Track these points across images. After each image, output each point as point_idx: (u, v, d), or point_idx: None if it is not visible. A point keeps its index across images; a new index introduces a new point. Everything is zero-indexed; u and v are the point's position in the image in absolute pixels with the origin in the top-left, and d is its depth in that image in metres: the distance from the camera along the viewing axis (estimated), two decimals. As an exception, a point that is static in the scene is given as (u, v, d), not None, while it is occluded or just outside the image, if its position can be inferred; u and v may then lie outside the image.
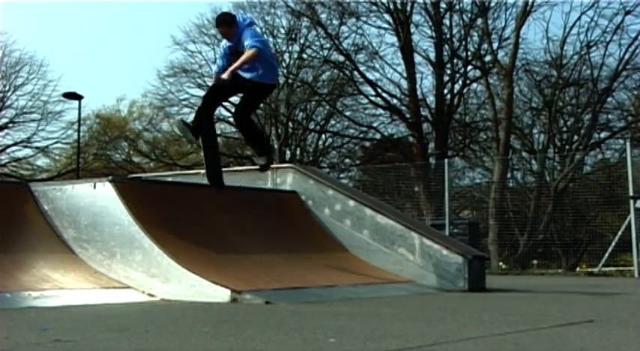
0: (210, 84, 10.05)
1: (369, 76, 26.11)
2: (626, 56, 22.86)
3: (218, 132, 31.31)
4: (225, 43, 7.29)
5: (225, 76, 6.93)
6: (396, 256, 7.87)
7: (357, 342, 3.39)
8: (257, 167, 7.71)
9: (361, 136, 28.56)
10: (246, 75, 6.95)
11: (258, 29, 7.43)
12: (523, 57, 23.97)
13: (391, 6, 24.83)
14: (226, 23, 7.12)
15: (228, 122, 30.47)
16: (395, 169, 20.49)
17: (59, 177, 29.75)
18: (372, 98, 26.11)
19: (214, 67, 7.90)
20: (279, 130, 28.41)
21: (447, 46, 25.28)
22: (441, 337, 3.62)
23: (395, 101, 26.17)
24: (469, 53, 25.25)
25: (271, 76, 7.26)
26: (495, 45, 23.72)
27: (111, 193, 6.87)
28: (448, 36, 25.19)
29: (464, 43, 25.26)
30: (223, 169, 8.04)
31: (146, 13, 54.21)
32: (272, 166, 7.89)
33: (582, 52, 23.42)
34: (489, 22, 23.79)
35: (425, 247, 7.72)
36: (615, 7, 24.77)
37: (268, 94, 7.69)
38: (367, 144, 29.15)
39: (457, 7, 24.92)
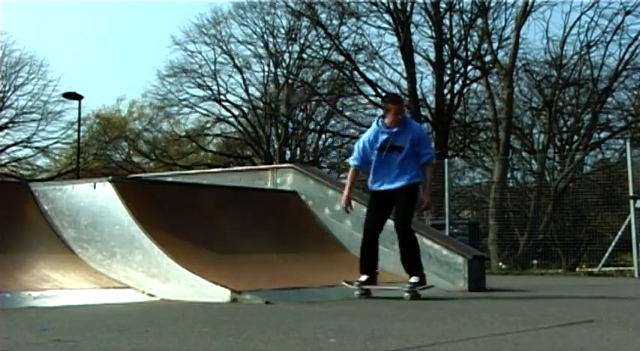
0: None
1: (369, 76, 26.13)
2: (626, 56, 22.88)
3: (218, 132, 31.43)
4: (371, 131, 6.51)
5: (425, 204, 6.60)
6: (396, 256, 7.85)
7: (357, 342, 3.39)
8: (408, 293, 6.24)
9: (361, 135, 28.53)
10: (397, 184, 6.34)
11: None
12: (523, 57, 23.99)
13: (391, 6, 24.84)
14: (401, 105, 6.56)
15: (228, 122, 30.52)
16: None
17: (59, 177, 29.75)
18: (372, 98, 26.13)
19: (353, 162, 6.68)
20: (279, 130, 28.41)
21: (447, 46, 25.29)
22: (441, 337, 3.62)
23: (395, 101, 26.11)
24: (469, 53, 25.25)
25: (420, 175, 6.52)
26: (495, 45, 23.73)
27: (111, 193, 6.87)
28: (448, 36, 25.19)
29: (464, 43, 25.27)
30: (223, 169, 8.02)
31: (146, 13, 54.22)
32: (273, 166, 7.50)
33: (582, 52, 23.43)
34: (489, 22, 23.80)
35: (425, 247, 7.71)
36: (615, 7, 24.77)
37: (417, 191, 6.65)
38: (367, 144, 29.12)
39: (457, 7, 24.94)
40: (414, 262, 6.41)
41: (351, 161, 6.71)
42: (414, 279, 6.27)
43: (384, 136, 6.41)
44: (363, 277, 6.49)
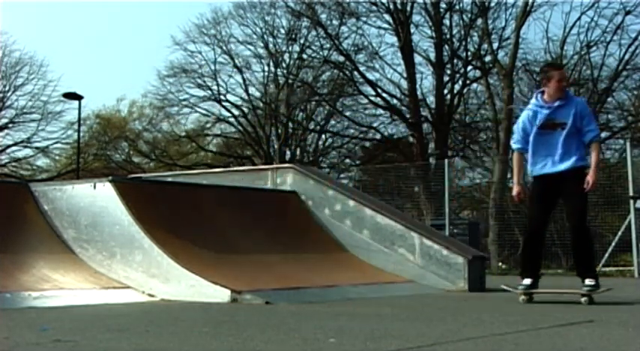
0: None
1: (369, 76, 26.12)
2: (626, 56, 22.87)
3: (218, 132, 31.43)
4: (531, 108, 5.96)
5: (590, 183, 5.83)
6: (396, 256, 7.87)
7: (357, 342, 3.39)
8: (584, 297, 5.79)
9: (361, 136, 28.57)
10: (562, 166, 5.81)
11: None
12: (523, 57, 23.98)
13: (391, 6, 24.83)
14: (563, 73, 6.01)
15: (228, 122, 30.52)
16: (395, 169, 20.49)
17: (59, 177, 29.74)
18: (372, 98, 26.12)
19: (515, 145, 6.13)
20: (279, 130, 28.41)
21: (447, 46, 25.28)
22: (441, 337, 3.62)
23: (395, 101, 26.18)
24: (469, 53, 25.25)
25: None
26: (495, 45, 23.72)
27: (111, 193, 6.87)
28: (448, 36, 25.18)
29: (464, 43, 25.26)
30: (223, 169, 8.02)
31: (146, 13, 54.20)
32: (273, 166, 7.33)
33: (582, 52, 23.42)
34: (489, 22, 23.79)
35: (425, 247, 7.72)
36: (615, 7, 24.73)
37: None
38: (367, 144, 29.17)
39: (457, 7, 24.93)
40: (589, 264, 5.87)
41: (513, 145, 6.12)
42: (589, 281, 5.75)
43: (545, 112, 5.84)
44: (527, 281, 5.95)
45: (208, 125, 31.23)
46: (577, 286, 5.99)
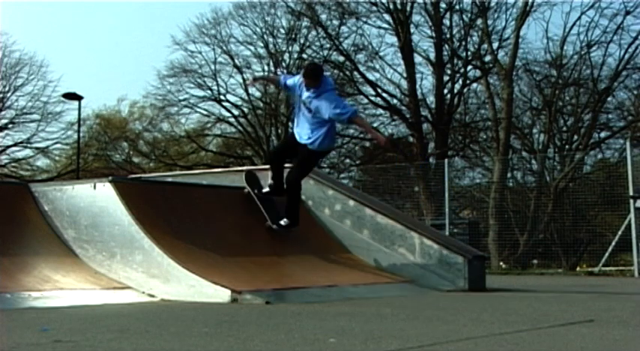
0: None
1: (369, 76, 26.13)
2: (626, 56, 22.89)
3: (218, 132, 31.44)
4: (299, 79, 7.23)
5: (382, 142, 8.02)
6: (396, 256, 7.87)
7: (357, 342, 3.39)
8: (271, 226, 7.64)
9: (361, 136, 28.57)
10: (308, 142, 7.21)
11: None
12: (523, 57, 23.99)
13: (391, 6, 24.85)
14: (313, 77, 7.08)
15: (229, 122, 30.53)
16: (395, 169, 20.50)
17: (59, 177, 29.75)
18: (372, 98, 26.13)
19: (282, 76, 8.00)
20: (279, 130, 28.42)
21: (447, 46, 25.29)
22: (441, 337, 3.62)
23: (395, 101, 26.19)
24: (469, 53, 25.26)
25: (332, 142, 7.60)
26: (495, 45, 23.74)
27: (111, 193, 6.87)
28: (448, 36, 25.19)
29: (464, 43, 25.27)
30: (223, 169, 8.08)
31: (146, 13, 54.22)
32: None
33: (582, 52, 23.43)
34: (489, 22, 23.81)
35: (425, 247, 7.72)
36: (616, 7, 24.79)
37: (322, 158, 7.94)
38: (367, 144, 29.18)
39: (457, 7, 24.94)
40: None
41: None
42: (284, 222, 7.42)
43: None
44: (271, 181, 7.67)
45: (208, 125, 31.26)
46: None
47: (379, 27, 25.68)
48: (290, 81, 7.38)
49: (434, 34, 25.07)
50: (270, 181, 7.71)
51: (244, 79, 28.23)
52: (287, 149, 7.73)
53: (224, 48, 28.98)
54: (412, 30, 24.92)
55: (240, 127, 30.06)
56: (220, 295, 5.83)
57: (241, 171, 9.37)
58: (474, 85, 26.04)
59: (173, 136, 31.77)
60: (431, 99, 25.87)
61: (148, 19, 54.48)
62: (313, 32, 27.11)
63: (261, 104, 29.36)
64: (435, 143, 25.21)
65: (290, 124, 27.99)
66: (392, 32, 25.29)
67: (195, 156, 32.94)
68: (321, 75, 7.15)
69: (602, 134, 24.74)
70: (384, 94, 25.93)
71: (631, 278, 12.70)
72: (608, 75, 23.34)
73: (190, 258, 6.41)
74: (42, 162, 33.30)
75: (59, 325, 4.16)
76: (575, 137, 24.24)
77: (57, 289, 5.96)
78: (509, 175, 22.46)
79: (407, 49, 24.71)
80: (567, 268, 16.22)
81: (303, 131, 7.21)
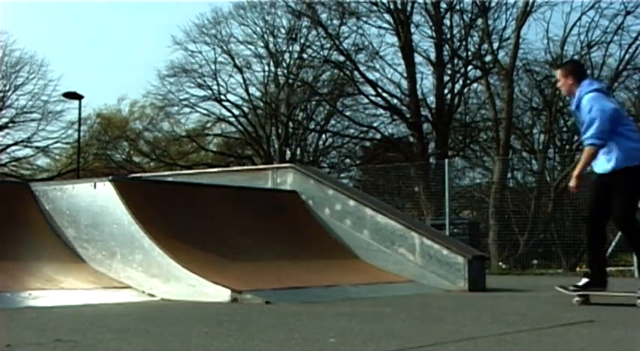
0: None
1: (370, 76, 26.11)
2: (627, 56, 22.87)
3: (218, 132, 31.44)
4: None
5: (571, 184, 5.91)
6: (396, 256, 7.87)
7: (357, 342, 3.39)
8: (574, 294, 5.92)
9: (361, 136, 28.58)
10: (600, 169, 5.80)
11: (603, 101, 5.72)
12: (523, 57, 23.96)
13: (391, 6, 24.83)
14: (564, 69, 6.03)
15: (229, 122, 30.52)
16: (395, 169, 20.49)
17: (59, 177, 29.72)
18: (373, 98, 26.11)
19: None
20: (279, 130, 28.40)
21: (447, 46, 25.27)
22: (441, 337, 3.62)
23: (395, 101, 26.17)
24: (469, 53, 25.24)
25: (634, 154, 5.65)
26: (496, 45, 23.71)
27: (111, 192, 6.87)
28: (448, 36, 25.17)
29: (464, 43, 25.25)
30: (223, 169, 8.00)
31: (146, 13, 54.19)
32: (273, 166, 6.99)
33: (583, 53, 23.41)
34: (490, 22, 23.78)
35: (425, 247, 7.72)
36: (616, 7, 24.74)
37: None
38: (367, 144, 29.17)
39: (457, 7, 24.91)
40: None
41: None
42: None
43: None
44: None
45: (209, 125, 31.24)
46: (573, 283, 6.01)
47: (379, 27, 25.67)
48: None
49: (434, 34, 25.06)
50: (588, 272, 6.08)
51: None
52: (604, 201, 5.85)
53: (224, 48, 28.98)
54: (412, 30, 24.91)
55: (240, 127, 30.05)
56: (220, 294, 5.83)
57: (241, 171, 9.39)
58: (475, 85, 26.04)
59: (173, 136, 31.76)
60: (431, 99, 25.87)
61: (148, 18, 54.45)
62: (313, 32, 27.10)
63: (262, 104, 29.35)
64: (436, 143, 25.20)
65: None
66: (392, 32, 25.29)
67: (195, 156, 32.92)
68: (578, 73, 6.02)
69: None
70: (385, 94, 25.92)
71: (631, 278, 12.69)
72: (609, 75, 23.34)
73: (190, 258, 6.41)
74: (42, 161, 33.30)
75: (59, 324, 4.16)
76: (576, 137, 24.23)
77: (57, 288, 5.96)
78: (509, 175, 22.44)
79: (407, 49, 24.69)
80: (567, 269, 16.21)
81: (598, 158, 5.84)
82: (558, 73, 6.05)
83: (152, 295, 6.16)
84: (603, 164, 5.76)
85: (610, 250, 14.19)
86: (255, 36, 28.27)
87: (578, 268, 16.18)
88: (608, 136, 5.64)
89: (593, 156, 5.77)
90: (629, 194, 5.68)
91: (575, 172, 5.85)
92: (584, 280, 5.88)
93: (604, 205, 5.75)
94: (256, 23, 28.12)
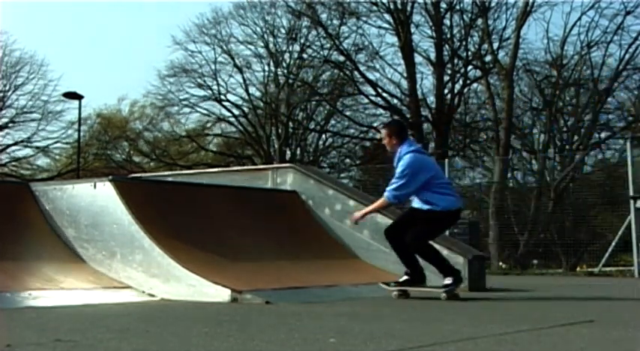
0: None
1: (370, 76, 26.14)
2: (627, 56, 22.88)
3: (218, 132, 31.44)
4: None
5: (355, 216, 6.76)
6: (396, 256, 7.86)
7: (357, 342, 3.39)
8: (443, 295, 6.22)
9: (361, 136, 28.60)
10: (416, 205, 6.44)
11: (412, 159, 6.34)
12: (523, 57, 23.99)
13: (391, 6, 24.85)
14: (388, 129, 6.67)
15: (229, 122, 30.53)
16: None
17: (59, 177, 29.74)
18: (373, 98, 26.13)
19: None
20: (280, 130, 28.41)
21: (447, 46, 25.30)
22: (441, 337, 3.62)
23: (395, 101, 26.20)
24: (469, 53, 25.26)
25: (445, 203, 6.34)
26: (496, 45, 23.74)
27: (111, 192, 6.87)
28: (448, 36, 25.20)
29: (464, 43, 25.28)
30: (223, 169, 7.99)
31: (146, 13, 54.22)
32: (273, 166, 7.01)
33: (583, 52, 23.44)
34: (490, 22, 23.81)
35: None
36: (616, 7, 24.78)
37: (447, 221, 6.60)
38: (367, 144, 29.18)
39: (457, 7, 24.95)
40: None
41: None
42: (448, 280, 6.32)
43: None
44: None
45: (209, 125, 31.26)
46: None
47: (379, 27, 25.71)
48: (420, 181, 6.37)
49: (434, 34, 25.08)
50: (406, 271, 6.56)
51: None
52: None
53: (224, 48, 29.00)
54: (412, 30, 24.95)
55: (240, 127, 30.07)
56: (220, 294, 5.83)
57: (241, 170, 9.39)
58: (475, 85, 26.07)
59: (173, 136, 31.78)
60: (431, 99, 25.90)
61: (148, 18, 54.47)
62: (313, 32, 27.13)
63: (262, 104, 29.36)
64: (435, 143, 25.21)
65: None
66: (392, 32, 25.32)
67: (195, 155, 32.94)
68: (400, 134, 6.64)
69: (603, 134, 24.75)
70: (385, 94, 25.95)
71: (631, 278, 12.70)
72: (609, 75, 23.35)
73: (190, 258, 6.41)
74: (42, 161, 33.33)
75: (59, 324, 4.16)
76: (576, 137, 24.25)
77: (57, 288, 5.96)
78: (509, 175, 22.47)
79: (407, 49, 24.71)
80: (567, 269, 16.22)
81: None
82: (384, 132, 6.72)
83: (152, 295, 6.16)
84: (419, 204, 6.40)
85: (610, 250, 14.21)
86: (255, 36, 28.31)
87: (578, 268, 16.19)
88: (419, 192, 6.34)
89: (385, 208, 6.81)
90: (429, 231, 6.43)
91: (364, 211, 6.74)
92: (405, 277, 6.48)
93: (406, 227, 6.42)
94: (256, 23, 28.15)
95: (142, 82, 49.95)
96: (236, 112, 29.86)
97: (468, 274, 7.43)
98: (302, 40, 27.58)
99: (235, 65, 29.08)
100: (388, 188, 6.49)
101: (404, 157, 6.38)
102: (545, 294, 7.55)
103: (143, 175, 13.75)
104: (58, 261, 6.62)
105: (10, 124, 30.99)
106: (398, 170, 6.41)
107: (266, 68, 28.73)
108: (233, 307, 5.38)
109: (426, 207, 6.34)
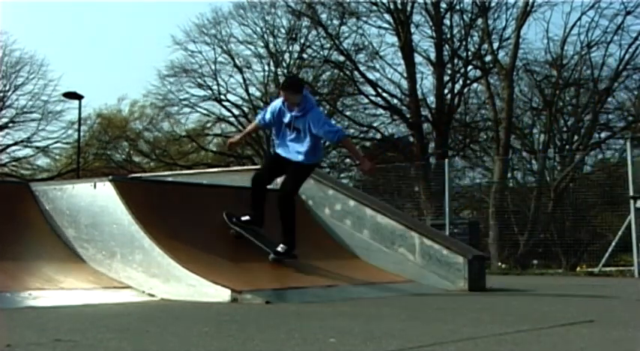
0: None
1: (370, 76, 26.14)
2: (627, 56, 22.92)
3: (218, 132, 31.43)
4: (278, 104, 7.00)
5: (370, 167, 7.66)
6: (396, 256, 7.87)
7: (357, 342, 3.39)
8: (271, 256, 6.88)
9: (361, 136, 28.60)
10: (300, 158, 6.91)
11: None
12: (523, 57, 24.01)
13: (391, 6, 24.86)
14: (293, 89, 6.91)
15: (229, 122, 30.54)
16: (395, 169, 20.50)
17: (59, 177, 29.75)
18: (373, 98, 26.14)
19: (257, 117, 7.65)
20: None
21: (447, 46, 25.30)
22: (441, 337, 3.62)
23: (395, 101, 26.20)
24: (469, 53, 25.27)
25: (321, 154, 7.45)
26: (496, 45, 23.76)
27: (111, 192, 6.86)
28: (448, 36, 25.20)
29: (464, 43, 25.28)
30: (223, 168, 8.05)
31: (146, 13, 54.22)
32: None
33: (583, 52, 23.45)
34: (490, 22, 23.82)
35: (425, 247, 7.72)
36: (616, 7, 24.80)
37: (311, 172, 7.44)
38: (367, 144, 29.19)
39: (457, 7, 24.95)
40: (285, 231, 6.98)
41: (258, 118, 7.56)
42: (281, 248, 6.90)
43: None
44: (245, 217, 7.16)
45: (209, 125, 31.27)
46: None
47: (379, 27, 25.71)
48: (268, 114, 7.15)
49: (434, 34, 25.08)
50: (250, 213, 7.18)
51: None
52: (271, 172, 7.29)
53: (224, 48, 29.01)
54: (412, 30, 24.95)
55: (240, 127, 30.06)
56: (220, 294, 5.83)
57: (242, 170, 9.39)
58: (475, 85, 26.08)
59: (173, 136, 31.79)
60: (431, 99, 25.90)
61: (148, 18, 54.47)
62: (313, 32, 27.14)
63: (262, 104, 29.35)
64: (435, 143, 25.22)
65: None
66: (392, 32, 25.32)
67: (195, 155, 32.95)
68: (302, 88, 6.99)
69: (603, 134, 24.77)
70: (385, 94, 25.95)
71: (631, 278, 12.70)
72: (609, 75, 23.37)
73: (190, 257, 6.41)
74: (42, 161, 33.35)
75: (59, 324, 4.16)
76: (576, 137, 24.26)
77: (57, 288, 5.95)
78: (509, 175, 22.48)
79: (407, 49, 24.71)
80: (567, 269, 16.22)
81: (291, 150, 6.93)
82: (287, 92, 6.89)
83: (152, 295, 6.15)
84: (294, 154, 6.92)
85: (610, 250, 14.22)
86: (255, 36, 28.32)
87: (578, 268, 16.20)
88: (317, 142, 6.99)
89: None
90: (301, 180, 7.17)
91: (367, 158, 7.81)
92: (247, 218, 7.13)
93: (273, 175, 7.23)
94: (256, 23, 28.16)
95: (142, 82, 50.08)
96: (236, 112, 29.89)
97: (468, 274, 7.43)
98: (302, 40, 27.61)
99: (235, 65, 29.11)
100: (336, 128, 7.20)
101: (317, 108, 7.04)
102: (545, 294, 7.55)
103: (143, 175, 13.76)
104: (58, 261, 6.62)
105: (10, 124, 31.02)
106: (322, 116, 7.08)
107: (266, 68, 28.77)
108: (233, 307, 5.38)
109: (313, 159, 7.02)
